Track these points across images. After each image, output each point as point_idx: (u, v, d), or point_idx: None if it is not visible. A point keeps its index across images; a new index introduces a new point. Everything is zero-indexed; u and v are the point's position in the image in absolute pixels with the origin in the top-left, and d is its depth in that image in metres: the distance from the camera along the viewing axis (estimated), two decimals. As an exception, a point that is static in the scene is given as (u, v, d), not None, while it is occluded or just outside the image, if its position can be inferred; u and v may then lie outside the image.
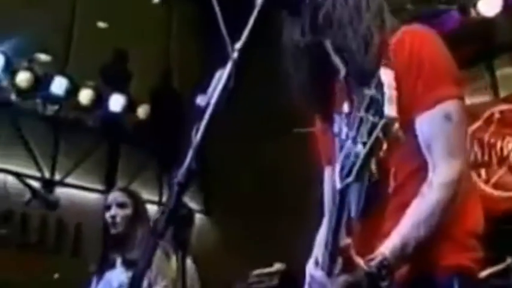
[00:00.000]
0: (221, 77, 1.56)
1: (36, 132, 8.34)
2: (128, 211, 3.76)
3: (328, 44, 1.75)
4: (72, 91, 8.12)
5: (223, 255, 8.28)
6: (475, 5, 6.23)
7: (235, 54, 1.56)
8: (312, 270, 1.55)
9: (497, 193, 5.81)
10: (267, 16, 1.65)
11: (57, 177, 8.56)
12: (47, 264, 7.52)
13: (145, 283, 3.28)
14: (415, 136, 1.64)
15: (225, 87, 1.54)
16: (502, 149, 5.93)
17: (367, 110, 1.26)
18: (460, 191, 1.58)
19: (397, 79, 1.62)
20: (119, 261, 3.70)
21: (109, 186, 7.94)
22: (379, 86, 1.26)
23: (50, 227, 8.14)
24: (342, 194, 1.36)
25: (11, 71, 7.63)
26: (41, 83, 7.87)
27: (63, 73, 8.18)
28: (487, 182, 5.91)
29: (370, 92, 1.28)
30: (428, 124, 1.62)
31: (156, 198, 8.98)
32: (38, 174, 8.33)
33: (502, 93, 6.50)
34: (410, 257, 1.54)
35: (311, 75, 1.80)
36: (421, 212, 1.55)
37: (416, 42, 1.69)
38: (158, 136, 8.79)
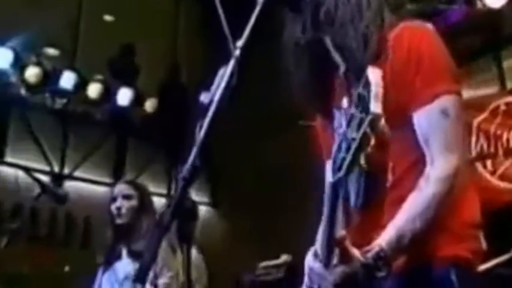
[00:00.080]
0: (224, 74, 1.59)
1: (45, 126, 8.42)
2: (134, 203, 3.83)
3: (328, 41, 1.79)
4: (81, 85, 8.19)
5: (231, 247, 8.33)
6: (481, -3, 6.23)
7: (237, 52, 1.60)
8: (310, 262, 1.59)
9: (503, 184, 5.81)
10: (268, 14, 1.68)
11: (66, 170, 8.63)
12: (57, 257, 7.60)
13: (151, 275, 3.34)
14: (413, 131, 1.67)
15: (228, 85, 1.58)
16: (508, 140, 5.93)
17: (356, 107, 1.31)
18: (457, 184, 1.61)
19: (396, 75, 1.67)
20: (124, 252, 3.78)
21: (117, 179, 7.97)
22: (367, 83, 1.31)
23: (59, 220, 8.22)
24: (335, 188, 1.41)
25: (19, 66, 7.71)
26: (49, 77, 7.95)
27: (71, 67, 8.24)
28: (493, 173, 5.91)
29: (358, 89, 1.33)
30: (426, 119, 1.65)
31: (164, 191, 9.05)
32: (47, 168, 8.41)
33: (509, 85, 6.48)
34: (406, 249, 1.58)
35: (311, 72, 1.83)
36: (417, 205, 1.59)
37: (414, 38, 1.71)
38: (166, 130, 8.84)
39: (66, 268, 7.29)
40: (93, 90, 8.28)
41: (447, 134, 1.64)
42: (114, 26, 9.41)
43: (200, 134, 1.57)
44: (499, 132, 5.98)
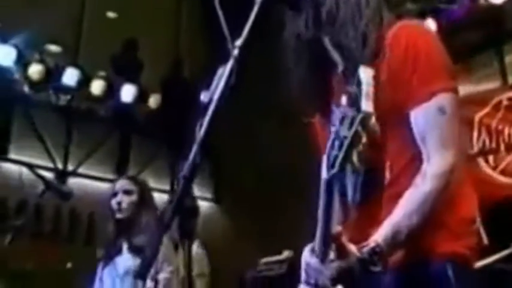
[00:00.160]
0: (223, 74, 1.62)
1: (48, 123, 8.43)
2: (134, 198, 3.89)
3: (327, 40, 1.81)
4: (84, 82, 8.19)
5: (233, 243, 8.36)
6: (483, -8, 6.24)
7: (235, 52, 1.62)
8: (307, 257, 1.62)
9: (505, 179, 5.83)
10: (267, 13, 1.70)
11: (70, 167, 8.66)
12: (61, 253, 7.63)
13: (152, 270, 3.38)
14: (410, 129, 1.69)
15: (227, 84, 1.60)
16: (510, 135, 5.94)
17: (348, 105, 1.34)
18: (453, 180, 1.63)
19: (393, 73, 1.69)
20: (125, 247, 3.82)
21: (121, 175, 7.98)
22: (359, 82, 1.33)
23: (63, 217, 8.25)
24: (329, 184, 1.44)
25: (23, 63, 7.72)
26: (52, 74, 7.95)
27: (74, 64, 8.26)
28: (494, 168, 5.93)
29: (351, 88, 1.35)
30: (423, 117, 1.67)
31: (167, 187, 9.06)
32: (51, 165, 8.43)
33: (511, 80, 6.49)
34: (402, 245, 1.61)
35: (310, 70, 1.86)
36: (413, 202, 1.61)
37: (412, 37, 1.73)
38: (169, 126, 8.86)
39: (69, 264, 7.32)
40: (97, 86, 8.29)
41: (443, 131, 1.66)
42: (117, 22, 9.43)
43: (200, 132, 1.59)
44: (500, 127, 6.00)
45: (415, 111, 1.68)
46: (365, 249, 1.55)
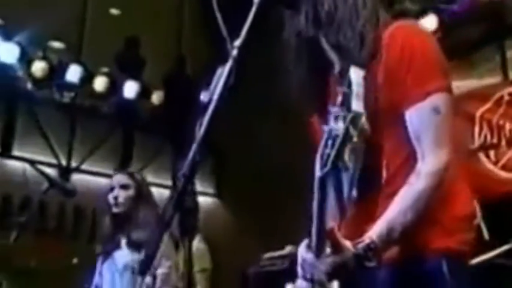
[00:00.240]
0: (222, 73, 1.65)
1: (52, 120, 8.46)
2: (131, 192, 3.91)
3: (324, 40, 1.84)
4: (87, 79, 8.22)
5: (236, 237, 8.40)
6: (484, -14, 6.26)
7: (234, 52, 1.65)
8: (303, 253, 1.65)
9: (505, 174, 5.83)
10: (265, 13, 1.73)
11: (73, 164, 8.70)
12: (65, 250, 7.67)
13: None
14: (406, 128, 1.72)
15: (226, 84, 1.63)
16: (511, 131, 5.94)
17: (340, 105, 1.38)
18: (446, 178, 1.66)
19: (389, 73, 1.72)
20: (123, 241, 3.85)
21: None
22: (349, 83, 1.37)
23: (67, 213, 8.30)
24: (322, 181, 1.47)
25: (26, 60, 7.75)
26: (55, 71, 7.99)
27: (77, 61, 8.29)
28: (495, 163, 5.93)
29: (343, 89, 1.39)
30: (417, 117, 1.70)
31: (170, 183, 9.10)
32: (54, 162, 8.47)
33: (512, 75, 6.51)
34: (396, 241, 1.65)
35: (310, 70, 1.88)
36: (407, 199, 1.65)
37: (407, 37, 1.75)
38: (172, 122, 8.89)
39: (75, 260, 7.36)
40: (100, 83, 8.32)
41: (437, 130, 1.69)
42: (120, 19, 9.45)
43: (200, 131, 1.63)
44: (501, 122, 6.00)
45: (410, 111, 1.71)
46: (360, 245, 1.59)
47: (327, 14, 1.79)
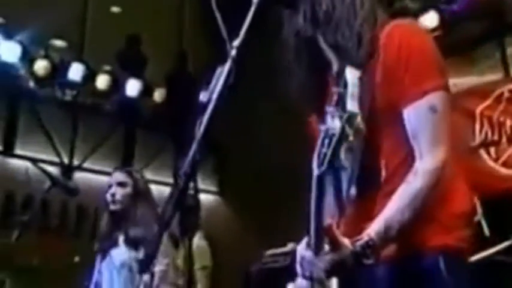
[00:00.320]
0: (221, 73, 1.67)
1: (54, 118, 8.48)
2: (128, 190, 3.91)
3: (322, 40, 1.86)
4: (89, 77, 8.24)
5: (238, 235, 8.42)
6: (484, -17, 6.27)
7: (233, 52, 1.67)
8: (302, 251, 1.67)
9: (506, 171, 5.84)
10: (264, 13, 1.74)
11: (76, 162, 8.72)
12: (68, 248, 7.69)
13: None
14: (404, 127, 1.74)
15: (225, 84, 1.65)
16: (511, 127, 5.96)
17: (336, 105, 1.40)
18: (443, 177, 1.68)
19: (387, 72, 1.74)
20: (121, 239, 3.85)
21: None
22: (345, 83, 1.39)
23: (70, 211, 8.32)
24: (319, 180, 1.49)
25: (28, 59, 7.77)
26: (58, 70, 8.01)
27: (79, 59, 8.31)
28: (496, 160, 5.94)
29: (338, 89, 1.41)
30: (414, 115, 1.72)
31: (172, 181, 9.11)
32: (57, 160, 8.50)
33: (513, 72, 6.52)
34: (394, 239, 1.66)
35: (309, 70, 1.90)
36: (405, 197, 1.66)
37: (404, 36, 1.76)
38: (174, 119, 8.90)
39: (76, 259, 7.38)
40: (102, 81, 8.34)
41: (435, 129, 1.70)
42: (121, 17, 9.47)
43: (200, 130, 1.65)
44: (502, 119, 6.01)
45: (407, 110, 1.72)
46: (358, 243, 1.61)
47: (324, 14, 1.80)
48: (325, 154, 1.42)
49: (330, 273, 1.61)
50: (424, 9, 6.36)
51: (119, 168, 4.26)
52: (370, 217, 1.69)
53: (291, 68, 1.92)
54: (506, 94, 6.08)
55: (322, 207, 1.51)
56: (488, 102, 6.16)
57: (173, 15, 9.97)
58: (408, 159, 1.72)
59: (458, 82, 6.31)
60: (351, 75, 1.43)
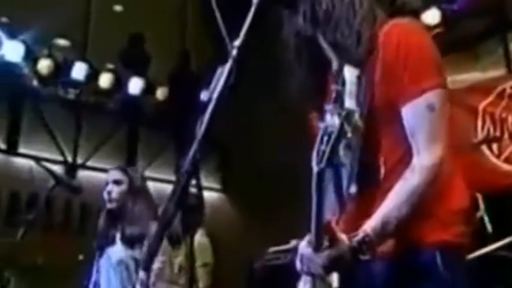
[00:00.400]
0: (222, 73, 1.68)
1: (58, 117, 8.52)
2: (124, 188, 3.92)
3: (322, 39, 1.87)
4: (92, 75, 8.27)
5: (241, 232, 8.44)
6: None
7: (234, 52, 1.69)
8: (303, 248, 1.69)
9: (508, 167, 5.85)
10: (264, 13, 1.76)
11: (79, 160, 8.75)
12: (72, 246, 7.71)
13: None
14: (402, 126, 1.75)
15: (226, 83, 1.67)
16: (513, 123, 5.97)
17: (334, 103, 1.42)
18: (440, 173, 1.70)
19: (386, 71, 1.75)
20: (118, 236, 3.88)
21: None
22: (343, 82, 1.41)
23: (74, 209, 8.35)
24: (319, 177, 1.50)
25: (31, 58, 7.80)
26: (61, 69, 8.03)
27: (82, 58, 8.34)
28: (498, 156, 5.95)
29: (336, 87, 1.43)
30: (412, 113, 1.73)
31: (175, 179, 9.13)
32: (60, 158, 8.53)
33: (515, 67, 6.52)
34: (391, 235, 1.68)
35: (310, 69, 1.92)
36: (402, 194, 1.68)
37: (403, 35, 1.78)
38: (177, 118, 8.93)
39: (80, 257, 7.41)
40: (105, 80, 8.37)
41: (432, 127, 1.72)
42: (124, 16, 9.49)
43: (200, 129, 1.67)
44: (504, 115, 6.02)
45: (405, 108, 1.74)
46: (355, 239, 1.63)
47: (324, 13, 1.82)
48: (324, 151, 1.45)
49: (327, 269, 1.63)
50: (425, 7, 6.37)
51: (115, 167, 4.28)
52: (369, 214, 1.71)
53: (292, 67, 1.94)
54: (509, 90, 6.09)
55: (322, 204, 1.53)
56: (490, 98, 6.17)
57: (176, 14, 9.99)
58: (406, 157, 1.74)
59: (461, 78, 6.33)
60: (349, 73, 1.46)
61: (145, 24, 9.04)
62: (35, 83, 8.05)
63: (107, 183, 3.96)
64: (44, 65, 7.84)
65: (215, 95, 1.66)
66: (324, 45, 1.88)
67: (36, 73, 7.88)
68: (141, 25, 9.09)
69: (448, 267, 1.70)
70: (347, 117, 1.43)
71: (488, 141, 5.98)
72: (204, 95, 1.69)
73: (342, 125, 1.42)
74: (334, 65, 1.86)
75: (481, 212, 4.33)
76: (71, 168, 8.50)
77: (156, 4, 9.27)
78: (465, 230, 1.77)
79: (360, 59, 1.73)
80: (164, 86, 8.91)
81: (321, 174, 1.49)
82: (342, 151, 1.44)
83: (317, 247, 1.61)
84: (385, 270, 1.73)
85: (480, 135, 6.12)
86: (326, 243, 1.60)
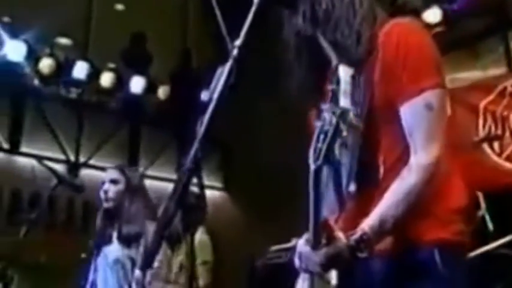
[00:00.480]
0: (222, 73, 1.69)
1: (60, 116, 8.52)
2: (120, 187, 3.94)
3: (322, 38, 1.89)
4: (94, 75, 8.26)
5: (243, 231, 8.46)
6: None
7: (234, 51, 1.70)
8: (301, 247, 1.71)
9: (510, 166, 5.86)
10: (265, 13, 1.77)
11: (82, 159, 8.76)
12: (75, 244, 7.71)
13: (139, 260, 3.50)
14: (401, 125, 1.76)
15: (226, 83, 1.68)
16: (515, 122, 5.97)
17: (330, 102, 1.44)
18: (438, 172, 1.71)
19: (385, 70, 1.76)
20: (114, 235, 3.89)
21: (131, 166, 8.11)
22: (338, 81, 1.43)
23: (76, 208, 8.36)
24: (317, 174, 1.52)
25: (33, 58, 7.79)
26: (62, 68, 8.02)
27: (84, 57, 8.34)
28: (499, 154, 5.96)
29: (331, 86, 1.45)
30: (411, 113, 1.74)
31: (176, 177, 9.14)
32: (62, 157, 8.54)
33: (516, 65, 6.52)
34: (388, 233, 1.70)
35: (310, 68, 1.93)
36: (399, 193, 1.70)
37: (403, 34, 1.79)
38: (178, 116, 8.93)
39: (83, 255, 7.42)
40: (106, 79, 8.36)
41: (430, 126, 1.73)
42: (126, 15, 9.49)
43: (201, 129, 1.68)
44: (505, 113, 6.02)
45: (404, 107, 1.75)
46: (353, 237, 1.65)
47: (324, 13, 1.83)
48: (321, 149, 1.46)
49: (325, 266, 1.65)
50: (426, 6, 6.37)
51: (112, 166, 4.29)
52: (368, 212, 1.72)
53: (292, 67, 1.95)
54: (510, 89, 6.10)
55: (320, 202, 1.54)
56: (491, 96, 6.18)
57: (177, 13, 9.99)
58: (405, 156, 1.75)
59: (462, 76, 6.34)
60: (344, 72, 1.47)
61: (147, 23, 9.04)
62: (37, 82, 8.05)
63: (103, 183, 3.97)
64: (46, 64, 7.84)
65: (216, 95, 1.67)
66: (324, 45, 1.89)
67: (37, 72, 7.88)
68: (143, 24, 9.09)
69: (446, 265, 1.71)
70: (342, 115, 1.45)
71: (489, 139, 5.98)
72: (204, 95, 1.70)
73: (337, 124, 1.44)
74: (334, 63, 1.87)
75: (482, 210, 4.33)
76: (73, 167, 8.51)
77: (158, 3, 9.28)
78: (464, 228, 1.78)
79: (360, 59, 1.75)
80: (166, 84, 8.91)
81: (317, 171, 1.50)
82: (337, 150, 1.45)
83: (315, 245, 1.63)
84: (383, 268, 1.74)
85: (481, 133, 6.12)
86: (324, 241, 1.61)
